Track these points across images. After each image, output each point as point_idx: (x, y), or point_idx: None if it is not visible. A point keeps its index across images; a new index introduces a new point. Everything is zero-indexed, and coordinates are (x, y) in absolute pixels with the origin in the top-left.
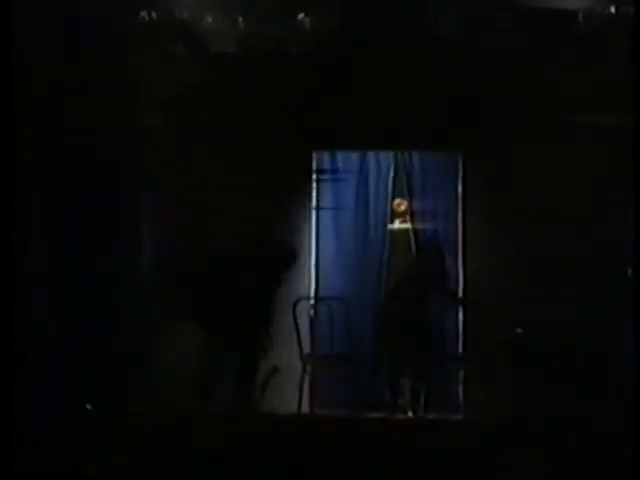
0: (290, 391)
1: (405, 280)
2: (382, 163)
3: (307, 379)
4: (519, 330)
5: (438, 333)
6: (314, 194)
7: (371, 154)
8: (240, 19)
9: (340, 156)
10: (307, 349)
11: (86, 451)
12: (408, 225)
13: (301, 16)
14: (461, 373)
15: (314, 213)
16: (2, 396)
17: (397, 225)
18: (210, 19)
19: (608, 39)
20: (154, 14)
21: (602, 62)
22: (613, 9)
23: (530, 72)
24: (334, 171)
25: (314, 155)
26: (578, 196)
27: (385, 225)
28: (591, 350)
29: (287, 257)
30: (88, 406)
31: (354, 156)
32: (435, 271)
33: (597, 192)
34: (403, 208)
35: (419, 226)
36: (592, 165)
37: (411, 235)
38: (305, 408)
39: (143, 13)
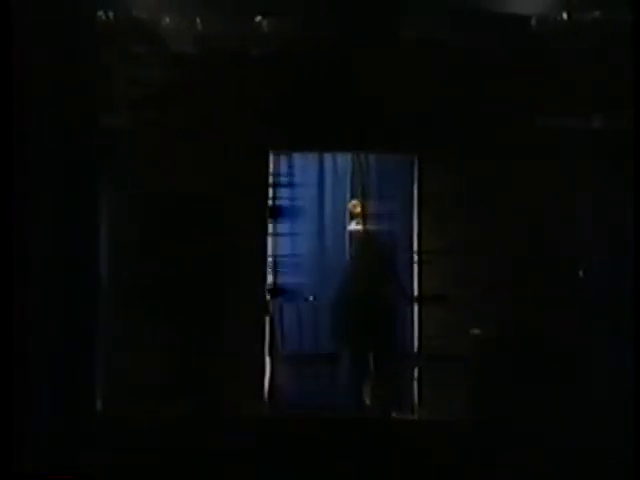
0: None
1: (362, 280)
2: (339, 165)
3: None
4: (475, 330)
5: (398, 332)
6: (270, 195)
7: (328, 155)
8: (198, 19)
9: (297, 157)
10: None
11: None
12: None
13: (259, 18)
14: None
15: (271, 214)
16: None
17: (353, 226)
18: (171, 19)
19: (563, 42)
20: (121, 14)
21: (558, 64)
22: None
23: (486, 74)
24: (291, 172)
25: (271, 156)
26: (534, 195)
27: (343, 227)
28: (547, 348)
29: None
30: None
31: (311, 157)
32: (389, 271)
33: (554, 191)
34: (359, 209)
35: (375, 227)
36: (550, 165)
37: (367, 236)
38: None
39: (110, 13)
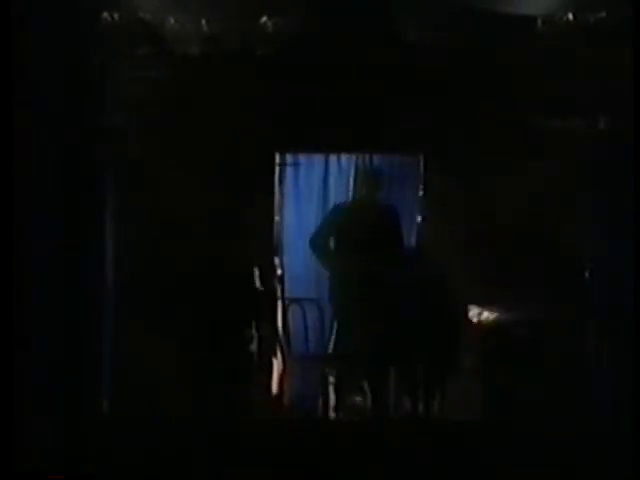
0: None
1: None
2: (344, 165)
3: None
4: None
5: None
6: (277, 195)
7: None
8: (204, 20)
9: (303, 158)
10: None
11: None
12: None
13: (264, 19)
14: None
15: (277, 214)
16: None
17: None
18: (177, 19)
19: (568, 44)
20: (124, 14)
21: (565, 66)
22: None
23: (492, 75)
24: (297, 173)
25: (277, 157)
26: (538, 196)
27: None
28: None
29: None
30: None
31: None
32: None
33: (556, 192)
34: None
35: None
36: (550, 166)
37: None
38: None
39: (112, 13)
